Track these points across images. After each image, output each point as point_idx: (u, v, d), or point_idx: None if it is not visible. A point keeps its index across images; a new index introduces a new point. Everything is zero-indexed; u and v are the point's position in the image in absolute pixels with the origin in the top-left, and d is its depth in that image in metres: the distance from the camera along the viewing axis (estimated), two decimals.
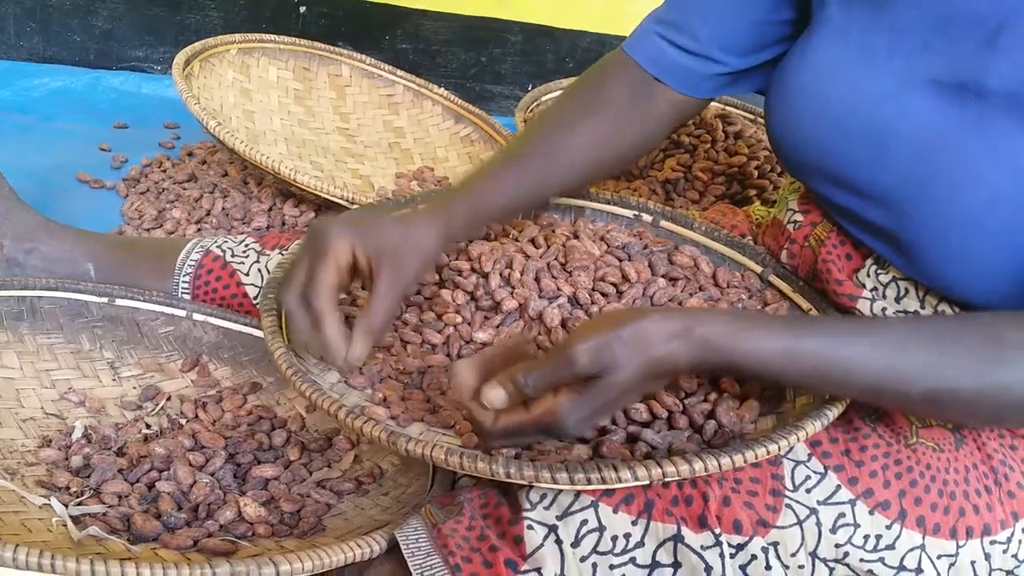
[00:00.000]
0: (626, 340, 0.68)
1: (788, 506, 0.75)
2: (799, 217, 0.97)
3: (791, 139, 0.88)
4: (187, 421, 0.97)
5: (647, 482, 0.70)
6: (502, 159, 0.97)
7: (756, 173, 1.55)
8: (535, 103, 1.71)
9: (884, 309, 0.87)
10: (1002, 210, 0.73)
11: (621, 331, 0.69)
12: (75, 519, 0.78)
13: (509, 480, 0.70)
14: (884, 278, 0.87)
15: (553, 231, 1.01)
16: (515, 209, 0.99)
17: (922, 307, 0.85)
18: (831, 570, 0.75)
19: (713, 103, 1.56)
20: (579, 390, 0.70)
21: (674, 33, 0.96)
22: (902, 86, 0.79)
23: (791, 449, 0.78)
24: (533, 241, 0.99)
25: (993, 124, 0.74)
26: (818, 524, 0.75)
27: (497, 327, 0.91)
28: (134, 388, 1.02)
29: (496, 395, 0.71)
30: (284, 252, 1.10)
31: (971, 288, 0.78)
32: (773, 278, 0.99)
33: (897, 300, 0.86)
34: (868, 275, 0.89)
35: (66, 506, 0.79)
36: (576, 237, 1.01)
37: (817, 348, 0.71)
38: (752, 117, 1.77)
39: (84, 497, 0.82)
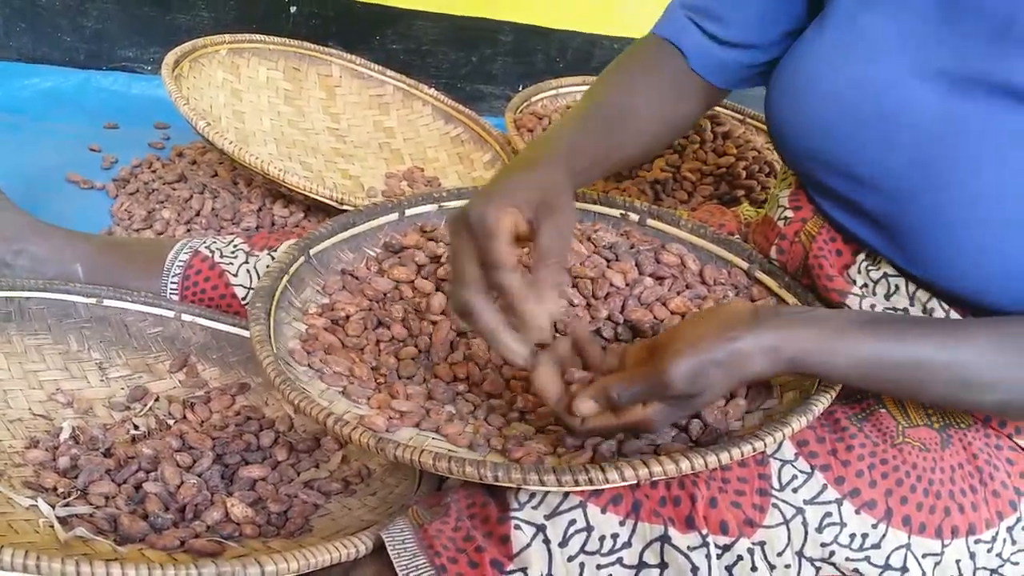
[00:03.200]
0: (720, 364, 0.71)
1: (775, 506, 0.75)
2: (790, 214, 0.97)
3: (794, 125, 0.88)
4: (175, 422, 0.97)
5: (635, 482, 0.71)
6: (578, 122, 0.92)
7: (744, 173, 1.55)
8: (525, 103, 1.71)
9: (873, 306, 0.87)
10: (1003, 202, 0.74)
11: (716, 355, 0.70)
12: (62, 520, 0.78)
13: (497, 484, 0.70)
14: (875, 274, 0.87)
15: None
16: (592, 175, 0.93)
17: (911, 304, 0.85)
18: (817, 569, 0.76)
19: None
20: (670, 403, 0.73)
21: (703, 18, 0.97)
22: (909, 75, 0.80)
23: (779, 447, 0.78)
24: None
25: (999, 117, 0.74)
26: (804, 524, 0.75)
27: None
28: (122, 389, 1.02)
29: (588, 407, 0.73)
30: (273, 253, 1.10)
31: (963, 280, 0.78)
32: (759, 274, 0.99)
33: (887, 297, 0.87)
34: (859, 271, 0.89)
35: (53, 507, 0.79)
36: None
37: (906, 355, 0.73)
38: (740, 117, 1.78)
39: (71, 498, 0.82)
